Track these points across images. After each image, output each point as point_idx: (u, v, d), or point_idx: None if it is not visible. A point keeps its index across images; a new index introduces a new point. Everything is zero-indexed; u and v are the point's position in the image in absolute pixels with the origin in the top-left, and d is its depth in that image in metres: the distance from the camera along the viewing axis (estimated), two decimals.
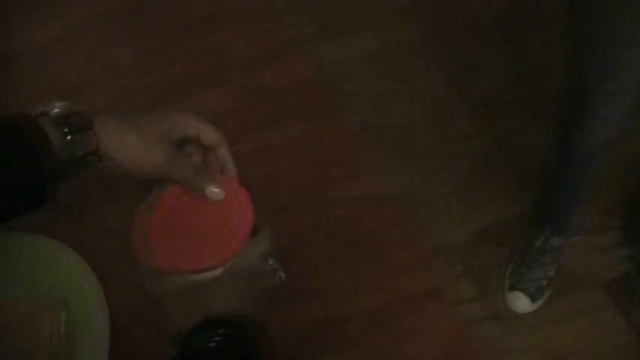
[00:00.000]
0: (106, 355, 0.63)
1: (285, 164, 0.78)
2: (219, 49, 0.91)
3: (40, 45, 0.95)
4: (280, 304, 0.68)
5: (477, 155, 1.91)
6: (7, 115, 0.53)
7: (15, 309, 0.66)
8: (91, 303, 0.66)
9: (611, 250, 1.71)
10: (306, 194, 0.76)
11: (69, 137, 0.53)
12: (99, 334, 0.64)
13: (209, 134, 0.61)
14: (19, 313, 0.66)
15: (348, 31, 2.21)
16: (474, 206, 1.81)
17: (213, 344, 0.53)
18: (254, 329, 0.55)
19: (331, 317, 0.67)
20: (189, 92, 0.86)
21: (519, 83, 2.06)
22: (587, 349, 1.56)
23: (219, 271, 0.59)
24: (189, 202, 0.62)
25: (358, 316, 0.67)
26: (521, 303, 1.61)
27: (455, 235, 1.76)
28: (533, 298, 1.60)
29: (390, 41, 2.18)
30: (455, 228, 1.77)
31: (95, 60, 0.92)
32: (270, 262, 0.61)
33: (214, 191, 0.59)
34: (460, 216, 1.79)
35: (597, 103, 1.21)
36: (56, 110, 0.55)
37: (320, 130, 0.81)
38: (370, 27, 2.22)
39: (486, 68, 2.10)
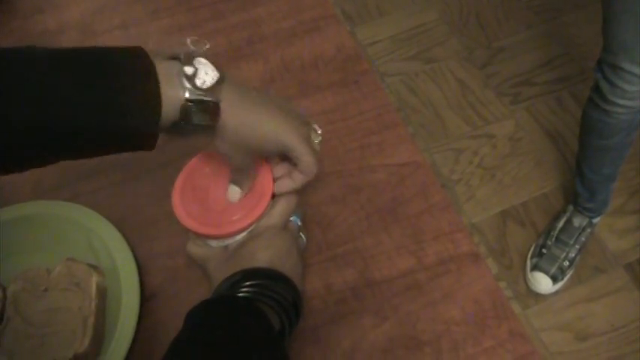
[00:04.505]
0: (136, 312, 0.65)
1: (325, 132, 0.79)
2: (260, 21, 0.92)
3: (83, 20, 0.97)
4: (321, 266, 0.70)
5: (502, 138, 1.92)
6: (131, 48, 0.51)
7: (67, 270, 0.69)
8: (123, 266, 0.68)
9: (632, 232, 1.71)
10: (345, 161, 0.77)
11: (190, 104, 0.51)
12: (130, 293, 0.66)
13: (305, 166, 0.60)
14: (71, 273, 0.69)
15: (383, 13, 2.23)
16: (496, 188, 1.82)
17: (240, 294, 0.55)
18: (284, 284, 0.57)
19: (370, 280, 0.68)
20: (230, 63, 0.88)
21: (552, 65, 2.06)
22: (610, 330, 1.56)
23: (243, 234, 0.61)
24: (212, 170, 0.64)
25: (397, 279, 0.68)
26: (543, 284, 1.61)
27: (477, 217, 1.77)
28: (554, 279, 1.61)
29: (422, 23, 2.19)
30: (477, 209, 1.78)
31: (136, 33, 0.94)
32: (292, 218, 0.64)
33: (234, 193, 0.62)
34: (482, 197, 1.80)
35: (632, 60, 1.19)
36: (187, 68, 0.51)
37: (359, 99, 0.82)
38: (404, 9, 2.23)
39: (519, 50, 2.10)
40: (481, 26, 2.18)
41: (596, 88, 1.30)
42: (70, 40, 0.93)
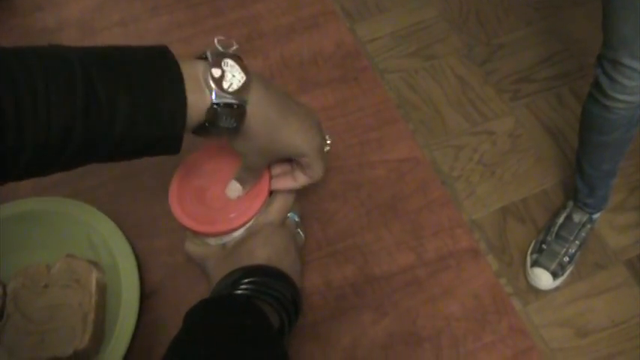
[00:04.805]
0: (136, 308, 0.65)
1: (325, 128, 0.78)
2: (259, 18, 0.92)
3: (82, 18, 0.96)
4: (320, 263, 0.70)
5: (501, 135, 1.92)
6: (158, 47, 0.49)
7: (67, 266, 0.69)
8: (123, 263, 0.68)
9: (632, 228, 1.72)
10: (345, 157, 0.77)
11: (216, 107, 0.49)
12: (130, 290, 0.66)
13: (313, 173, 0.60)
14: (71, 269, 0.69)
15: (382, 10, 2.23)
16: (496, 184, 1.82)
17: (239, 291, 0.54)
18: (282, 281, 0.57)
19: (370, 275, 0.68)
20: None
21: (552, 61, 2.06)
22: (610, 326, 1.56)
23: (241, 232, 0.61)
24: (209, 168, 0.64)
25: (397, 274, 0.68)
26: (543, 280, 1.62)
27: (477, 213, 1.77)
28: (555, 275, 1.61)
29: (422, 20, 2.19)
30: (477, 206, 1.78)
31: (135, 30, 0.94)
32: (289, 215, 0.64)
33: (234, 190, 0.61)
34: (482, 194, 1.80)
35: (632, 55, 1.18)
36: (214, 70, 0.49)
37: (358, 96, 0.82)
38: (403, 6, 2.23)
39: (518, 47, 2.10)
40: (481, 23, 2.18)
41: (596, 84, 1.30)
42: (69, 37, 0.93)
